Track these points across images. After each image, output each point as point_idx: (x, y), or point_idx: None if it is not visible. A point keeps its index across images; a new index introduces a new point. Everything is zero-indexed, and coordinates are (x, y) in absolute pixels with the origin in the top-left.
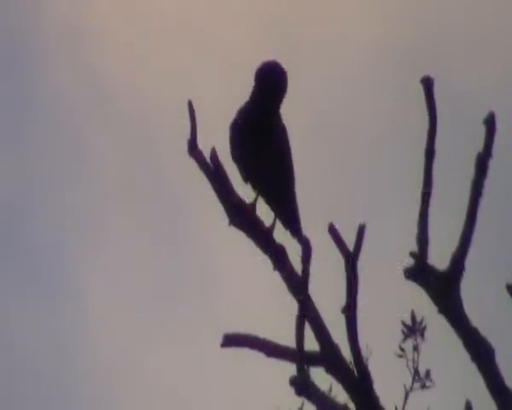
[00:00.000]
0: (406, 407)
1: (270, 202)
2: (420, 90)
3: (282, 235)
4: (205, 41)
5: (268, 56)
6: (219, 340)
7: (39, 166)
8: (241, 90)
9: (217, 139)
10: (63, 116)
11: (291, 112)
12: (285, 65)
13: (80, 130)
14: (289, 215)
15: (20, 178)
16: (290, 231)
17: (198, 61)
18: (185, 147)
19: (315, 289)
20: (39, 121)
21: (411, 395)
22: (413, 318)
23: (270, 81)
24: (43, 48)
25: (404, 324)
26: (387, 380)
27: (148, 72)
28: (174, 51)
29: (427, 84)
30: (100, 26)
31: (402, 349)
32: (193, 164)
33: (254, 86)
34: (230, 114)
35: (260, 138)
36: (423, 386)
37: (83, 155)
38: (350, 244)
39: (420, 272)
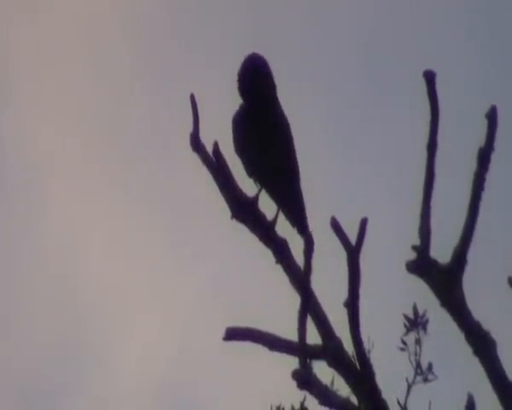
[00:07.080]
0: (408, 400)
1: (274, 195)
2: (422, 83)
3: (284, 228)
4: (206, 35)
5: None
6: None
7: None
8: None
9: (219, 133)
10: None
11: (293, 106)
12: (265, 56)
13: None
14: (295, 209)
15: None
16: (297, 227)
17: (198, 55)
18: (188, 141)
19: (317, 283)
20: None
21: (413, 389)
22: (415, 311)
23: (244, 75)
24: None
25: (406, 317)
26: (390, 373)
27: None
28: (173, 47)
29: (429, 77)
30: None
31: (404, 343)
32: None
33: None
34: (233, 107)
35: (260, 131)
36: (425, 379)
37: None
38: (352, 238)
39: (422, 265)
